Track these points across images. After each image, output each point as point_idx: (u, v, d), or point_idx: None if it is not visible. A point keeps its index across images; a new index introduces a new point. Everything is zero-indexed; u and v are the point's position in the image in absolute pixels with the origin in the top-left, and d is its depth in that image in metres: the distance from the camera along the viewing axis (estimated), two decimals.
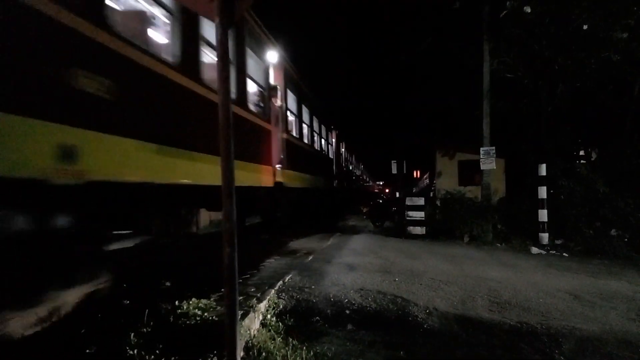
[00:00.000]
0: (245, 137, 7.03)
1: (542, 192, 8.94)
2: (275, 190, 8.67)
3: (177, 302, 3.65)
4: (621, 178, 9.33)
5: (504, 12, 10.18)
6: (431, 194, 15.94)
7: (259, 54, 7.95)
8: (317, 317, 3.95)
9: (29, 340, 3.27)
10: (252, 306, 3.68)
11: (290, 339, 3.29)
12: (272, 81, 8.74)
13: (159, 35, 5.25)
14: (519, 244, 8.96)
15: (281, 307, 4.17)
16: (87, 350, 3.10)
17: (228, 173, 2.42)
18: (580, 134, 13.25)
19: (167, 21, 4.89)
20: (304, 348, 3.10)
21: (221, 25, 2.45)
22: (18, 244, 3.06)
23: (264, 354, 3.03)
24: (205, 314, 3.46)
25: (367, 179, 47.98)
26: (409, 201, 10.52)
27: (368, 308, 4.23)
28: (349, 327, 3.77)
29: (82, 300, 3.70)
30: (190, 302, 3.67)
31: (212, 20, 2.51)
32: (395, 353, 3.18)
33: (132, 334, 3.02)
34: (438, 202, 11.63)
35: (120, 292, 4.07)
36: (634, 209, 8.38)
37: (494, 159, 10.06)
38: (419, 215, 10.33)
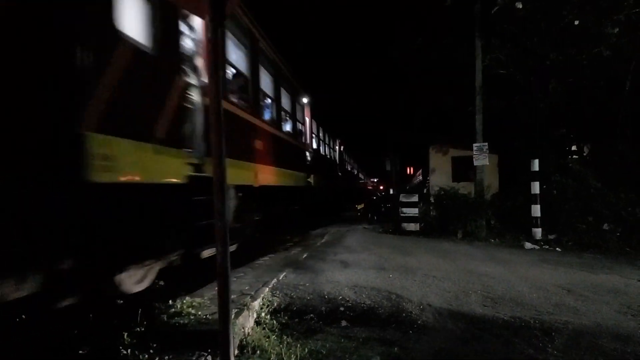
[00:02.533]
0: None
1: (535, 187, 8.98)
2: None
3: (170, 301, 3.64)
4: (613, 173, 9.39)
5: (496, 8, 10.20)
6: (425, 191, 15.96)
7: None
8: (312, 315, 3.95)
9: (22, 340, 3.25)
10: (246, 304, 3.67)
11: (285, 337, 3.29)
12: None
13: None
14: (513, 239, 9.00)
15: (275, 304, 4.17)
16: (80, 351, 3.09)
17: (220, 171, 2.40)
18: (573, 129, 13.31)
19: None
20: (299, 345, 3.10)
21: (212, 22, 2.43)
22: None
23: (258, 351, 3.03)
24: (199, 312, 3.45)
25: (361, 176, 48.02)
26: (402, 198, 10.54)
27: (362, 305, 4.23)
28: (344, 323, 3.77)
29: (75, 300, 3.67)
30: (184, 301, 3.66)
31: (202, 17, 2.50)
32: (390, 349, 3.19)
33: (126, 334, 3.00)
34: (432, 199, 11.64)
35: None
36: (626, 204, 8.44)
37: (487, 154, 10.10)
38: (413, 211, 10.36)
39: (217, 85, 2.41)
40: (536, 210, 8.94)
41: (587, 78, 11.07)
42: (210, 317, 3.33)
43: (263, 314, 3.81)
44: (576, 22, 9.96)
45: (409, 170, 33.12)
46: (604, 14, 9.70)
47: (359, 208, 25.90)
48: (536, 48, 10.92)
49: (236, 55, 6.87)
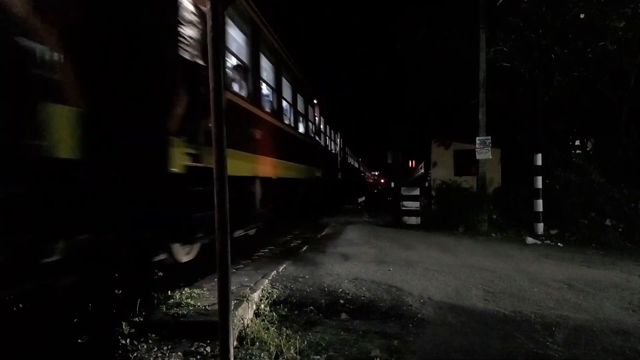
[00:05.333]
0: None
1: (538, 182, 8.94)
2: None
3: (169, 292, 3.63)
4: (617, 168, 9.34)
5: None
6: (426, 184, 15.93)
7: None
8: (311, 307, 3.94)
9: (21, 330, 3.24)
10: (245, 296, 3.66)
11: (284, 329, 3.28)
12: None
13: None
14: (514, 234, 8.97)
15: (275, 296, 4.16)
16: (80, 340, 3.08)
17: (221, 162, 2.37)
18: (576, 124, 13.23)
19: None
20: (298, 337, 3.08)
21: (214, 8, 2.39)
22: None
23: (257, 343, 3.02)
24: (198, 303, 3.44)
25: (363, 169, 47.91)
26: (404, 191, 10.51)
27: (362, 298, 4.21)
28: (343, 316, 3.76)
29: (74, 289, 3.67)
30: (183, 292, 3.65)
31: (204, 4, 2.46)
32: (390, 342, 3.17)
33: (124, 324, 2.99)
34: (433, 192, 11.62)
35: (112, 281, 4.04)
36: (628, 199, 8.41)
37: (489, 148, 10.04)
38: (414, 205, 10.32)
39: (217, 75, 2.37)
40: (538, 205, 8.91)
41: (591, 72, 10.99)
42: (209, 308, 3.32)
43: (262, 306, 3.80)
44: (582, 15, 9.87)
45: (411, 164, 33.07)
46: (610, 7, 9.60)
47: (359, 201, 25.86)
48: (541, 41, 10.82)
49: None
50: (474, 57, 10.70)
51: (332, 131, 18.52)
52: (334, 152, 18.75)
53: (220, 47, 2.41)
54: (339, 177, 20.29)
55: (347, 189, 25.15)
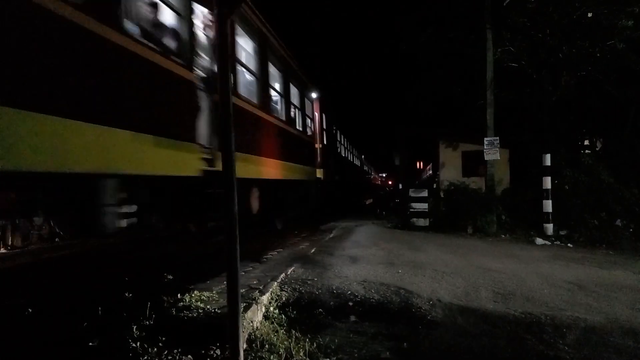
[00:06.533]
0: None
1: (547, 182, 8.88)
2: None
3: (179, 295, 3.65)
4: (626, 168, 9.27)
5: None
6: (434, 185, 15.88)
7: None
8: (320, 309, 3.94)
9: (32, 333, 3.28)
10: (254, 298, 3.67)
11: (293, 331, 3.29)
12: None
13: None
14: (524, 234, 8.92)
15: (284, 299, 4.17)
16: (90, 343, 3.10)
17: (229, 166, 2.39)
18: (585, 124, 13.15)
19: None
20: (307, 340, 3.09)
21: (220, 15, 2.41)
22: None
23: (267, 346, 3.02)
24: (208, 306, 3.45)
25: (368, 169, 47.67)
26: (412, 193, 10.48)
27: (371, 300, 4.21)
28: (353, 318, 3.76)
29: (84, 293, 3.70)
30: (192, 295, 3.66)
31: (211, 9, 2.48)
32: (399, 344, 3.17)
33: (135, 327, 3.01)
34: (441, 194, 11.59)
35: (122, 285, 4.07)
36: (639, 199, 8.33)
37: (498, 149, 9.99)
38: (422, 206, 10.29)
39: (225, 78, 2.38)
40: (548, 205, 8.84)
41: (599, 71, 10.92)
42: (219, 311, 3.33)
43: (272, 309, 3.81)
44: (589, 15, 9.81)
45: (419, 165, 32.95)
46: (618, 6, 9.54)
47: (367, 203, 25.83)
48: (548, 40, 10.77)
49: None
50: (481, 57, 10.67)
51: (297, 90, 10.96)
52: (302, 131, 11.40)
53: (225, 52, 2.42)
54: (320, 177, 13.44)
55: (336, 197, 17.23)
